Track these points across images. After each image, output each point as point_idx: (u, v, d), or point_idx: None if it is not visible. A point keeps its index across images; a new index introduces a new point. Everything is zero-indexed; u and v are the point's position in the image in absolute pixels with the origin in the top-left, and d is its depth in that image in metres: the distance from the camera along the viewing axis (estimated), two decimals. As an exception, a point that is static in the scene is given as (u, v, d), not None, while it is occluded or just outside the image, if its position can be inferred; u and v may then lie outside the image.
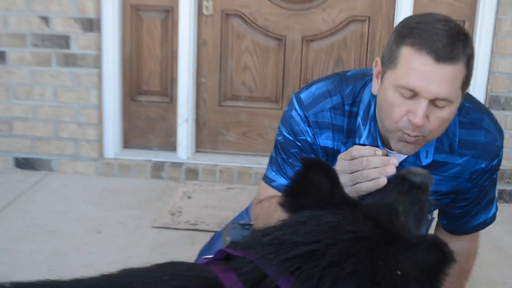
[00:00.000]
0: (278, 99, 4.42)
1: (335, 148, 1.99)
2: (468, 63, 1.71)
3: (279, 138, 2.08)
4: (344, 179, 1.70)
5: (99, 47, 4.23)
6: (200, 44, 4.38)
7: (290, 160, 2.05)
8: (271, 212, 1.86)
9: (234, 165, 4.39)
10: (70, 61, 4.22)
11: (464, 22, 4.15)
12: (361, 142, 1.92)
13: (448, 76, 1.67)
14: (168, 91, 4.48)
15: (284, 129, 2.06)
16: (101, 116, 4.38)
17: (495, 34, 4.01)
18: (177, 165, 4.40)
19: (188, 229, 3.57)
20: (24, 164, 4.43)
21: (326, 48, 4.32)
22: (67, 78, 4.26)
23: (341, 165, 1.76)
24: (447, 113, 1.73)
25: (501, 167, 4.09)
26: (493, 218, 2.18)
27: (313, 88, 2.03)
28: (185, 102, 4.40)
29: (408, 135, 1.76)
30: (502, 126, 3.99)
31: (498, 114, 4.05)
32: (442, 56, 1.66)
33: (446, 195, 2.04)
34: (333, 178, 1.47)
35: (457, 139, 1.92)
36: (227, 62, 4.41)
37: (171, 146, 4.55)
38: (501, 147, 1.99)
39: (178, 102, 4.42)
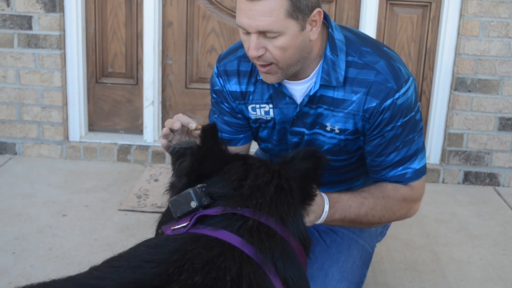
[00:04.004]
0: (245, 81, 4.39)
1: (243, 90, 2.24)
2: None
3: None
4: None
5: (62, 27, 4.16)
6: (165, 25, 4.33)
7: (212, 108, 2.40)
8: None
9: (201, 148, 4.35)
10: (33, 42, 4.14)
11: (430, 3, 4.16)
12: (259, 78, 2.16)
13: (263, 10, 1.87)
14: (134, 73, 4.43)
15: None
16: (66, 99, 4.32)
17: (461, 15, 4.02)
18: (143, 148, 4.36)
19: (155, 212, 3.54)
20: (-14, 147, 4.36)
21: (293, 30, 4.29)
22: (30, 59, 4.18)
23: None
24: (282, 42, 1.92)
25: (466, 149, 4.17)
26: (414, 173, 2.18)
27: (233, 44, 2.32)
28: (151, 84, 4.36)
29: (259, 65, 2.02)
30: (467, 108, 4.07)
31: (464, 96, 4.09)
32: None
33: (353, 134, 2.16)
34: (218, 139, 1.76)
35: (343, 73, 2.07)
36: (193, 44, 4.36)
37: (138, 129, 4.50)
38: (397, 90, 2.06)
39: (144, 84, 4.37)
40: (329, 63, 2.08)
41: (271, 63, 1.99)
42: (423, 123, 2.23)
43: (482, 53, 4.01)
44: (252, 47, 1.94)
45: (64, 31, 4.19)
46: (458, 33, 4.06)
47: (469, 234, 3.52)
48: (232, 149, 1.91)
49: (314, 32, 1.99)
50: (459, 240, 3.44)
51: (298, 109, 2.16)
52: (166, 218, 1.72)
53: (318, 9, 1.95)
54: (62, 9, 4.14)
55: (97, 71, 4.43)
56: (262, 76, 2.09)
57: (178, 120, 2.02)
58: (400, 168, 2.16)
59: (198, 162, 1.69)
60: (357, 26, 4.21)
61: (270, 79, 2.07)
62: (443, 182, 4.25)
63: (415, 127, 2.15)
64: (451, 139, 4.17)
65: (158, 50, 4.33)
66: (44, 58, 4.18)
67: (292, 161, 1.80)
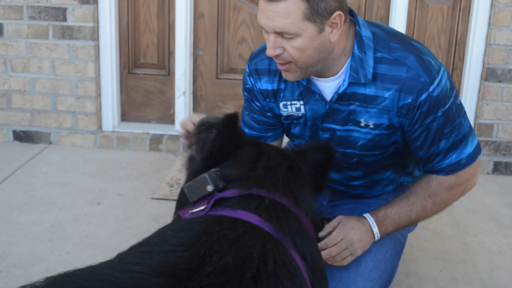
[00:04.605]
0: (275, 72, 4.42)
1: (275, 88, 2.29)
2: None
3: None
4: None
5: (95, 19, 4.23)
6: (197, 17, 4.38)
7: (244, 105, 2.47)
8: None
9: (231, 138, 4.40)
10: (67, 33, 4.21)
11: (461, -6, 4.16)
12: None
13: (280, 12, 1.92)
14: (166, 64, 4.48)
15: None
16: (99, 89, 4.39)
17: (492, 5, 4.01)
18: (175, 138, 4.42)
19: (187, 201, 3.59)
20: (23, 137, 4.45)
21: (323, 21, 4.30)
22: (65, 50, 4.25)
23: None
24: (300, 43, 1.98)
25: (496, 139, 4.15)
26: (469, 158, 2.20)
27: (264, 43, 2.29)
28: (182, 75, 4.41)
29: (278, 63, 2.08)
30: (498, 98, 4.05)
31: (494, 86, 4.08)
32: None
33: (388, 129, 2.18)
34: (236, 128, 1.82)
35: (371, 70, 2.10)
36: (224, 35, 4.40)
37: (169, 119, 4.56)
38: (430, 83, 2.07)
39: (176, 75, 4.43)
40: (357, 60, 2.11)
41: (289, 62, 2.04)
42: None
43: (513, 44, 4.01)
44: (270, 46, 2.01)
45: (97, 22, 4.26)
46: (489, 23, 4.05)
47: (499, 224, 3.52)
48: None
49: (334, 34, 2.02)
50: (489, 230, 3.45)
51: (327, 106, 2.20)
52: (182, 203, 1.77)
53: (338, 12, 1.98)
54: (95, 1, 4.20)
55: (130, 62, 4.49)
56: (282, 73, 2.15)
57: (189, 121, 2.12)
58: (454, 155, 2.17)
59: (217, 149, 1.76)
60: (387, 17, 4.21)
61: (289, 76, 2.12)
62: (473, 172, 4.24)
63: (459, 111, 2.17)
64: (481, 129, 4.16)
65: (190, 41, 4.38)
66: (78, 49, 4.25)
67: (305, 152, 1.86)
